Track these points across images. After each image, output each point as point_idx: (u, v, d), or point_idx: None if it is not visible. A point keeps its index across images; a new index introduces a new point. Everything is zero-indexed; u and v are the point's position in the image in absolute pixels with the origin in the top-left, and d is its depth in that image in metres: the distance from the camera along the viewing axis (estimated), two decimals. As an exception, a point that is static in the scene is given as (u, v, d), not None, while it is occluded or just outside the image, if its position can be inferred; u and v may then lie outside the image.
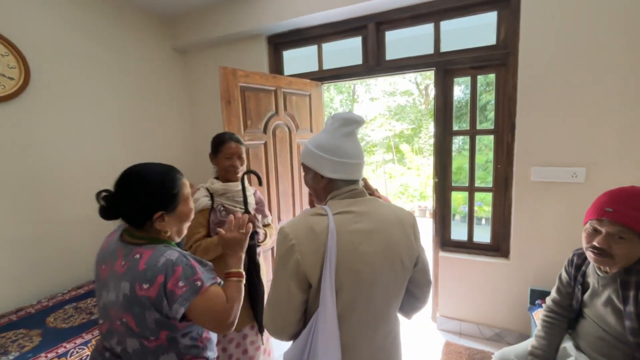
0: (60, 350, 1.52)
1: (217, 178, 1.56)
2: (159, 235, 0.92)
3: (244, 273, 1.02)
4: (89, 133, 2.39)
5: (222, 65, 2.66)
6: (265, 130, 2.37)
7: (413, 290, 0.95)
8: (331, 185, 0.88)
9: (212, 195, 1.50)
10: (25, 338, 1.63)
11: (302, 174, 0.97)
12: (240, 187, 1.50)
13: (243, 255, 1.06)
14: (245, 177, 1.45)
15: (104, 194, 0.90)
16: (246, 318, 1.49)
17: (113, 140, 2.55)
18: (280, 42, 2.77)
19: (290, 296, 0.79)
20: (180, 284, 0.82)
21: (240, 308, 0.95)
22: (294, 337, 0.83)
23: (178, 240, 1.00)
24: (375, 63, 2.48)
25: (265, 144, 2.38)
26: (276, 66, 2.83)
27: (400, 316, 0.97)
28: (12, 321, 1.79)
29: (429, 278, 0.97)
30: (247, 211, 1.46)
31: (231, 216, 1.11)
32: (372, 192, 1.79)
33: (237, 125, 2.16)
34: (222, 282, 0.98)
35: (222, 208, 1.49)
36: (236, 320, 0.94)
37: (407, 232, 0.88)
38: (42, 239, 2.14)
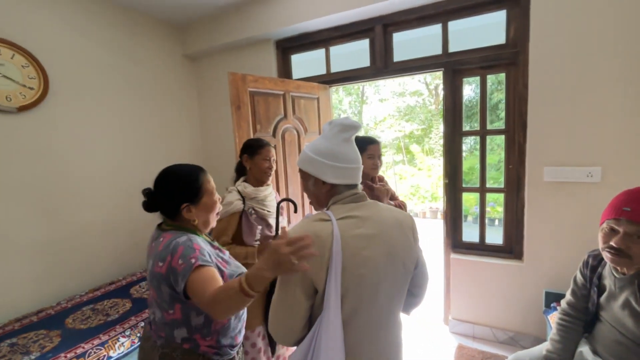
0: (79, 351, 1.57)
1: (245, 181, 1.63)
2: (187, 225, 1.05)
3: (253, 295, 0.82)
4: (104, 139, 2.47)
5: (232, 70, 2.71)
6: (274, 134, 2.39)
7: (412, 289, 0.97)
8: (333, 190, 0.89)
9: (243, 199, 1.55)
10: (45, 338, 1.69)
11: (301, 180, 0.95)
12: (269, 192, 1.64)
13: (267, 277, 0.79)
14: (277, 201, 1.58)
15: (146, 191, 1.06)
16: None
17: (127, 145, 2.63)
18: (288, 46, 2.80)
19: (296, 303, 0.79)
20: (180, 261, 0.92)
21: (228, 312, 0.89)
22: (299, 342, 0.84)
23: (205, 230, 1.11)
24: (383, 65, 2.48)
25: (275, 148, 2.40)
26: (284, 70, 2.86)
27: (402, 318, 0.97)
28: (33, 322, 1.86)
29: (427, 277, 0.99)
30: (277, 235, 1.55)
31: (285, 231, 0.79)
32: (392, 194, 1.78)
33: (246, 130, 2.19)
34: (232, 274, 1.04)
35: (252, 211, 1.56)
36: (223, 315, 0.89)
37: (407, 234, 0.89)
38: (61, 242, 2.21)
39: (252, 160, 1.61)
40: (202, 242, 1.01)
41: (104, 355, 1.58)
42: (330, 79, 2.72)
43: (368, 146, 1.66)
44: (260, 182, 1.63)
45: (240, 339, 1.12)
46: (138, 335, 1.75)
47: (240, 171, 1.69)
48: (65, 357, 1.53)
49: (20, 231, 2.02)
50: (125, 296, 2.14)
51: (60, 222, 2.21)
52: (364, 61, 2.57)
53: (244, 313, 1.15)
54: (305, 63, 2.88)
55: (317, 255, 0.75)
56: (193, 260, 0.92)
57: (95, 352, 1.58)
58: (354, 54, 2.65)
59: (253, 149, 1.61)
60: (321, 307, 0.78)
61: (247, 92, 2.20)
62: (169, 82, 2.98)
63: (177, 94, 3.06)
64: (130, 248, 2.63)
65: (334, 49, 2.71)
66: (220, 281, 0.93)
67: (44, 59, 2.11)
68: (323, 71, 2.75)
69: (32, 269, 2.07)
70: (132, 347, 1.69)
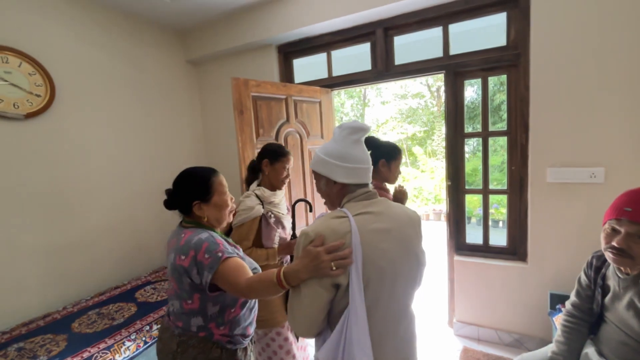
0: (85, 355, 1.58)
1: (259, 185, 1.63)
2: (202, 221, 1.14)
3: (288, 288, 0.90)
4: (109, 144, 2.50)
5: (234, 75, 2.74)
6: (277, 138, 2.41)
7: None
8: (344, 189, 0.93)
9: (262, 203, 1.57)
10: (52, 343, 1.70)
11: (314, 181, 1.02)
12: (282, 195, 1.67)
13: (303, 278, 0.84)
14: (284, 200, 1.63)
15: (168, 190, 1.15)
16: None
17: (132, 151, 2.66)
18: (290, 50, 2.82)
19: (317, 297, 0.82)
20: (206, 256, 1.01)
21: (260, 297, 1.01)
22: (318, 334, 0.88)
23: (219, 227, 1.19)
24: (384, 68, 2.49)
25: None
26: (286, 74, 2.89)
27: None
28: (39, 326, 1.88)
29: (426, 262, 1.02)
30: (294, 236, 1.60)
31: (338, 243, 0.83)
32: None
33: (249, 134, 2.21)
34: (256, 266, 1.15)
35: (271, 215, 1.57)
36: (255, 298, 1.01)
37: (416, 229, 0.95)
38: (66, 247, 2.23)
39: (272, 166, 1.60)
40: (221, 238, 1.10)
41: (110, 359, 1.60)
42: (332, 82, 2.74)
43: (400, 155, 1.71)
44: (274, 188, 1.63)
45: (251, 330, 1.19)
46: (143, 339, 1.76)
47: (254, 171, 1.68)
48: (72, 361, 1.55)
49: (26, 236, 2.05)
50: (130, 300, 2.16)
51: (66, 227, 2.24)
52: (366, 64, 2.59)
53: (255, 306, 1.22)
54: (307, 67, 2.90)
55: (352, 263, 0.80)
56: (220, 254, 1.01)
57: (101, 356, 1.59)
58: (356, 57, 2.67)
59: (275, 155, 1.60)
60: (342, 300, 0.82)
61: (250, 96, 2.22)
62: (173, 87, 3.02)
63: (181, 99, 3.10)
64: (134, 252, 2.65)
65: (336, 53, 2.73)
66: (247, 268, 1.03)
67: (50, 66, 2.15)
68: (325, 75, 2.77)
69: (38, 273, 2.10)
70: (138, 351, 1.70)
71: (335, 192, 0.94)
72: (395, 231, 0.87)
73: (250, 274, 1.02)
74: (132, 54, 2.68)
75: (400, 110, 10.44)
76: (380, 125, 10.31)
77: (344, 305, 0.82)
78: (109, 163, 2.49)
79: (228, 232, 1.58)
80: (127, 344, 1.70)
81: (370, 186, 0.95)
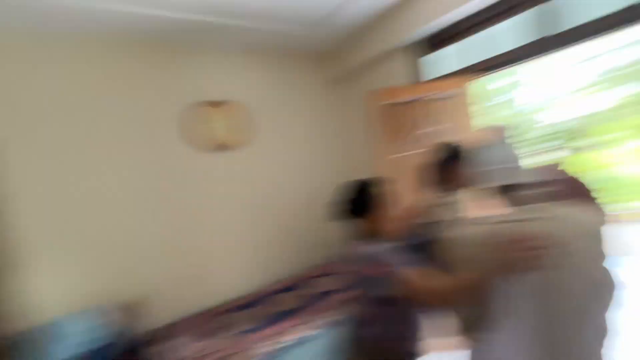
0: (276, 330, 1.93)
1: (448, 189, 1.49)
2: (371, 232, 1.15)
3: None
4: (284, 164, 3.16)
5: (367, 87, 2.81)
6: (414, 143, 2.33)
7: None
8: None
9: None
10: (249, 320, 2.15)
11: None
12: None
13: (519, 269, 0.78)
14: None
15: (336, 202, 1.20)
16: None
17: (296, 168, 3.22)
18: (420, 48, 2.70)
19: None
20: (382, 269, 1.01)
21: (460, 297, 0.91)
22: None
23: (389, 237, 1.18)
24: (546, 39, 2.02)
25: (415, 156, 2.33)
26: (417, 74, 2.75)
27: None
28: (239, 304, 2.43)
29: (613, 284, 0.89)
30: None
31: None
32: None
33: (386, 144, 2.22)
34: None
35: None
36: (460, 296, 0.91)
37: (593, 240, 0.85)
38: (267, 242, 2.98)
39: (459, 171, 1.33)
40: (394, 249, 1.08)
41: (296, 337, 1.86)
42: (477, 69, 2.42)
43: None
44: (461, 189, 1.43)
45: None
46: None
47: (442, 172, 1.46)
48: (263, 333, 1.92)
49: (239, 233, 2.82)
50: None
51: (265, 226, 2.95)
52: (514, 42, 2.19)
53: (419, 324, 1.22)
54: (444, 60, 2.69)
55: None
56: (397, 266, 1.01)
57: (289, 332, 1.89)
58: (499, 35, 2.30)
59: (461, 158, 1.36)
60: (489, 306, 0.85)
61: (385, 105, 2.23)
62: (315, 107, 3.37)
63: (321, 119, 3.40)
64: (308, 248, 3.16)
65: (478, 36, 2.40)
66: (433, 273, 0.98)
67: (250, 109, 2.91)
68: (465, 64, 2.49)
69: (244, 263, 2.82)
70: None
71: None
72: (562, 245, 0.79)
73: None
74: (279, 85, 3.15)
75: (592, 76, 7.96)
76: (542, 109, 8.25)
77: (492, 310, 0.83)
78: (292, 176, 3.16)
79: (421, 242, 1.47)
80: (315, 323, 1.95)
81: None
